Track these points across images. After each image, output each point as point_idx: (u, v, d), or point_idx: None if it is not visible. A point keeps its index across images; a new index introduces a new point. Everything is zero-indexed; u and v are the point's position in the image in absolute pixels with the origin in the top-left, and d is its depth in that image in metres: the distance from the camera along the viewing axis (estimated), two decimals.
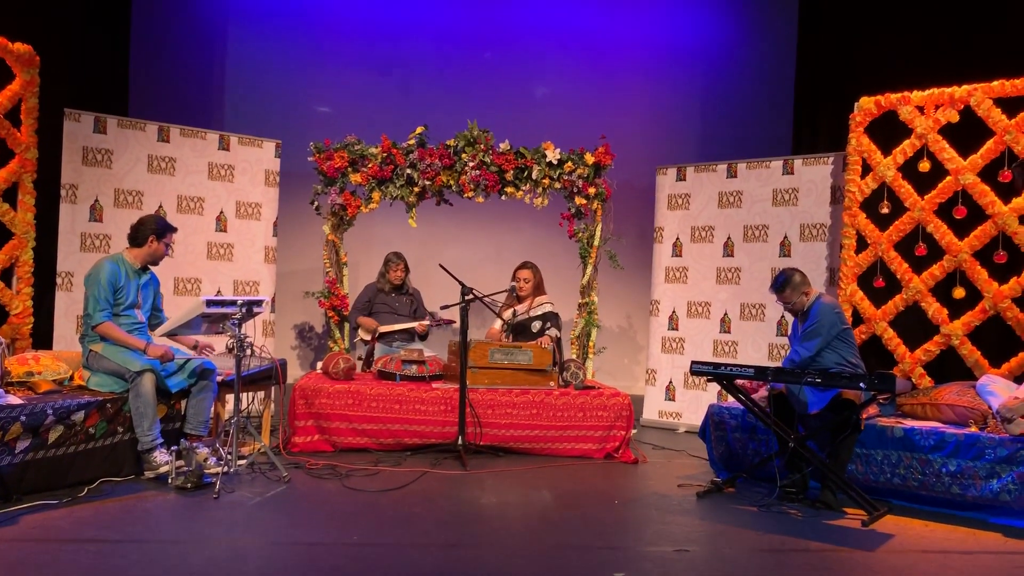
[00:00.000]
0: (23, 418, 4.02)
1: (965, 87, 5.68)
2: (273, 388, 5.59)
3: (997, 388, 4.63)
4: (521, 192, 6.84)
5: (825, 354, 4.65)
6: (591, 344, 6.89)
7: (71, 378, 4.86)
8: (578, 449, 5.62)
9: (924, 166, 5.84)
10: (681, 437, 6.76)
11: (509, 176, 6.77)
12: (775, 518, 4.30)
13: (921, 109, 5.88)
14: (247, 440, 5.17)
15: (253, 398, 5.61)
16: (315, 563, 3.37)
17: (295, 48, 8.87)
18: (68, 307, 6.12)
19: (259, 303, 4.71)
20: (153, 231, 4.85)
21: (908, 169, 5.96)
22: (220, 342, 6.18)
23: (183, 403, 4.86)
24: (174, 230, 5.01)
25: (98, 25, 7.46)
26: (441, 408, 5.53)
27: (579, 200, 6.79)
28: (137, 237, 4.87)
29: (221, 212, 6.80)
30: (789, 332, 5.09)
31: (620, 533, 4.02)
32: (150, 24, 8.33)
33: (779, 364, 5.17)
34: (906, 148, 5.94)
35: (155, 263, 4.97)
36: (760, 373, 4.54)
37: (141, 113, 7.36)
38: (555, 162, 6.72)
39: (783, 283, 4.79)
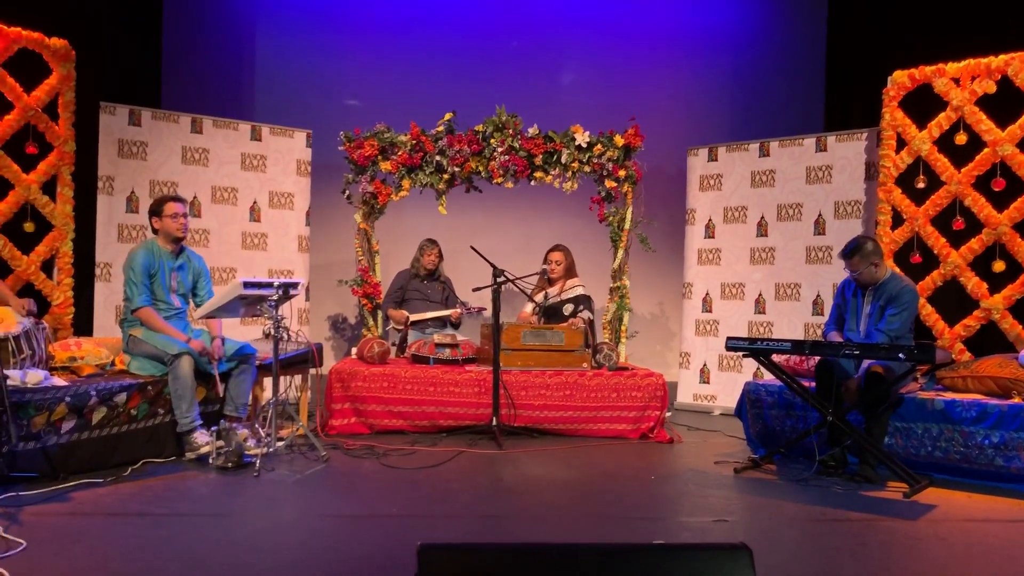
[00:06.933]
0: (68, 399, 4.11)
1: (1002, 56, 5.58)
2: (310, 373, 5.64)
3: None
4: (550, 177, 6.81)
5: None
6: (623, 328, 6.86)
7: (112, 363, 4.93)
8: (613, 430, 5.61)
9: (961, 139, 5.75)
10: (717, 419, 6.72)
11: (538, 161, 6.75)
12: (814, 491, 4.26)
13: (957, 81, 5.78)
14: (285, 424, 5.22)
15: (291, 382, 5.67)
16: (356, 533, 3.41)
17: (323, 40, 8.92)
18: (107, 297, 6.23)
19: (295, 285, 4.75)
20: (152, 213, 4.93)
21: (944, 142, 5.87)
22: (257, 328, 6.28)
23: (222, 386, 4.92)
24: (172, 199, 4.92)
25: (131, 20, 7.56)
26: (475, 390, 5.55)
27: (609, 183, 6.76)
28: (151, 227, 4.97)
29: (255, 202, 6.87)
30: (836, 300, 4.97)
31: (657, 506, 4.02)
32: (181, 18, 8.42)
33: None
34: (942, 121, 5.84)
35: (176, 240, 4.94)
36: (797, 347, 4.50)
37: (173, 106, 7.45)
38: (584, 145, 6.70)
39: (853, 250, 4.66)
